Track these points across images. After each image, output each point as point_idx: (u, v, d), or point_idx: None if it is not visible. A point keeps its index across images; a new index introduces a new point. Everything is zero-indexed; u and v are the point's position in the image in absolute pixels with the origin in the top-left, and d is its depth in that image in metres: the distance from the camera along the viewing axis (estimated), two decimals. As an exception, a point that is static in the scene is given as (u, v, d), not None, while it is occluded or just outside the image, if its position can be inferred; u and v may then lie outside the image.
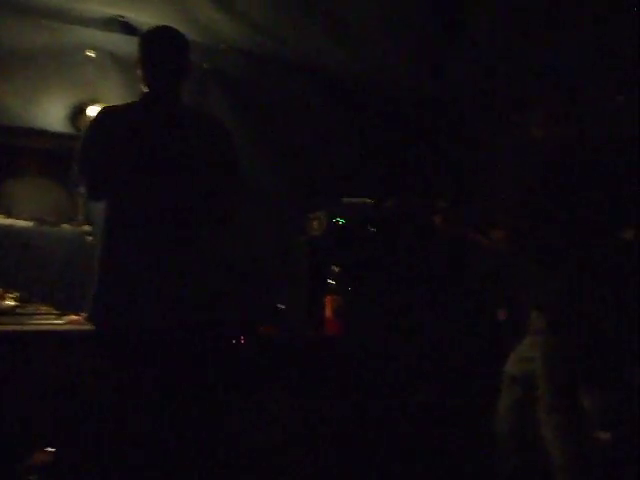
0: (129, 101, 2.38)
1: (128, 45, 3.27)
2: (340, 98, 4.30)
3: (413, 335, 3.56)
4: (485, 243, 2.88)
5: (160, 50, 2.34)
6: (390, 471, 3.18)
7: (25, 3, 3.27)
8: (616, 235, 2.75)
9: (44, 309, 3.12)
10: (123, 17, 3.44)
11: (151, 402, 2.16)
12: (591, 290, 2.59)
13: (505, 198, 2.95)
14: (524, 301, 2.89)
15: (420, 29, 3.47)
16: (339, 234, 3.66)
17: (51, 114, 3.59)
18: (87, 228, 3.52)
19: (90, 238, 3.41)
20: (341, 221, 3.66)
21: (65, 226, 3.54)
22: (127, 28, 3.50)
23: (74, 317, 3.03)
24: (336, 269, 3.48)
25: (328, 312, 3.56)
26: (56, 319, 3.05)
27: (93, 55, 3.61)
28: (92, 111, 3.47)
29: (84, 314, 2.64)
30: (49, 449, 2.62)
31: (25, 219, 3.45)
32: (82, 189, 2.27)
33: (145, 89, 2.32)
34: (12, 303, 3.07)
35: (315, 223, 3.78)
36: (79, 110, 3.58)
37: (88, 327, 2.28)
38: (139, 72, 2.33)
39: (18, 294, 3.12)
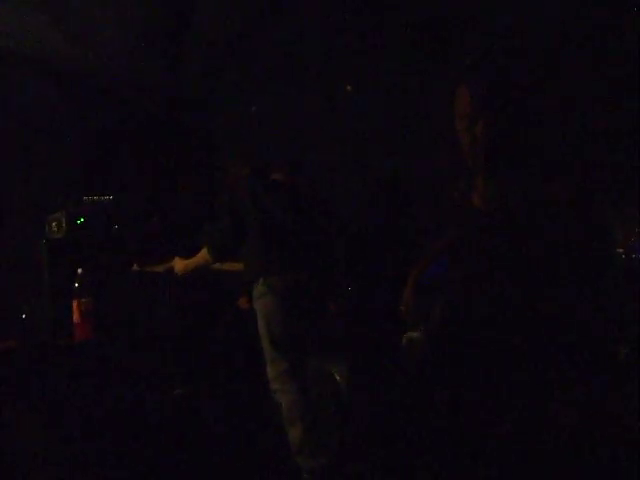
0: None
1: None
2: (74, 93, 4.10)
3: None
4: None
5: None
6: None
7: None
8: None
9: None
10: None
11: None
12: None
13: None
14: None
15: (152, 24, 3.46)
16: (81, 234, 3.51)
17: None
18: None
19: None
20: (81, 220, 3.51)
21: None
22: None
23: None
24: (80, 271, 3.33)
25: (76, 317, 3.41)
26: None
27: None
28: None
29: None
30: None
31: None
32: None
33: None
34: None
35: (54, 224, 3.57)
36: None
37: None
38: None
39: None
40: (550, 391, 1.59)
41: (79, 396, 3.22)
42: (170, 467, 3.10)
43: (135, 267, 3.43)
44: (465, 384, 1.69)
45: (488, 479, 1.67)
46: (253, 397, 3.46)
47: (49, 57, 3.80)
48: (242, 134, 4.54)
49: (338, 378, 3.17)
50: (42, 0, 3.24)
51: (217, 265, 3.31)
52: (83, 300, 3.40)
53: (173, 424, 3.39)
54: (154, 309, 3.61)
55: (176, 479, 3.11)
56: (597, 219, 1.63)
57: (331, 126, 3.96)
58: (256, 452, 3.25)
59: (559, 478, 1.59)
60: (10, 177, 3.88)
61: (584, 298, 1.60)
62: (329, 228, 3.30)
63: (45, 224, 3.66)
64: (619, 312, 1.65)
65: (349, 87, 3.98)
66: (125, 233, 3.62)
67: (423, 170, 3.58)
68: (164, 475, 3.08)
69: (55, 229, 3.57)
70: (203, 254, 3.17)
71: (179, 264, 3.35)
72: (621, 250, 3.32)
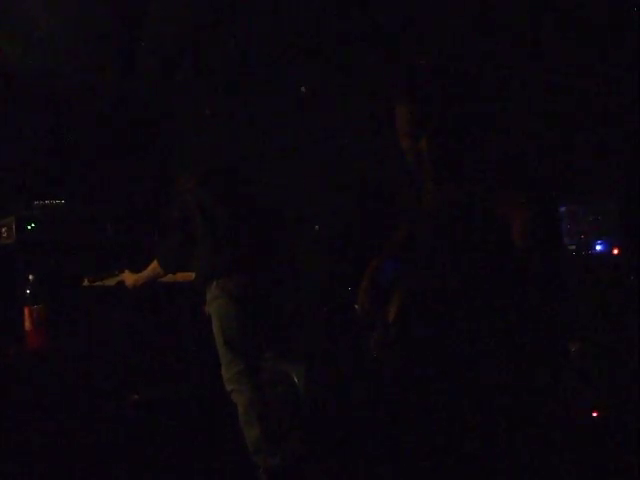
0: None
1: None
2: (24, 96, 4.01)
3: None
4: None
5: None
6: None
7: None
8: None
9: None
10: None
11: None
12: None
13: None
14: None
15: (104, 25, 3.42)
16: (31, 240, 3.43)
17: None
18: None
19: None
20: (32, 226, 3.44)
21: None
22: None
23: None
24: (32, 277, 3.27)
25: (28, 324, 3.33)
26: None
27: None
28: None
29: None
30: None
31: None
32: None
33: None
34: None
35: (4, 230, 3.49)
36: None
37: None
38: None
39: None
40: (508, 383, 1.63)
41: (30, 405, 3.16)
42: (124, 472, 3.06)
43: (86, 282, 3.37)
44: (425, 379, 1.72)
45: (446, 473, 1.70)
46: (209, 399, 3.45)
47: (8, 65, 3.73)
48: (193, 139, 4.52)
49: (295, 378, 3.19)
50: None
51: (169, 276, 3.31)
52: (35, 307, 3.33)
53: (129, 430, 3.35)
54: (110, 319, 3.56)
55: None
56: (544, 217, 1.68)
57: (285, 132, 3.98)
58: (213, 453, 3.24)
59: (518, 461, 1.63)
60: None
61: (535, 294, 1.64)
62: (277, 230, 3.34)
63: (-6, 229, 3.58)
64: (570, 309, 1.70)
65: (303, 89, 3.99)
66: (77, 239, 3.56)
67: (383, 177, 3.62)
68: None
69: (4, 235, 3.49)
70: (154, 266, 3.18)
71: (129, 278, 3.32)
72: (573, 247, 3.42)
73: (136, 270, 3.28)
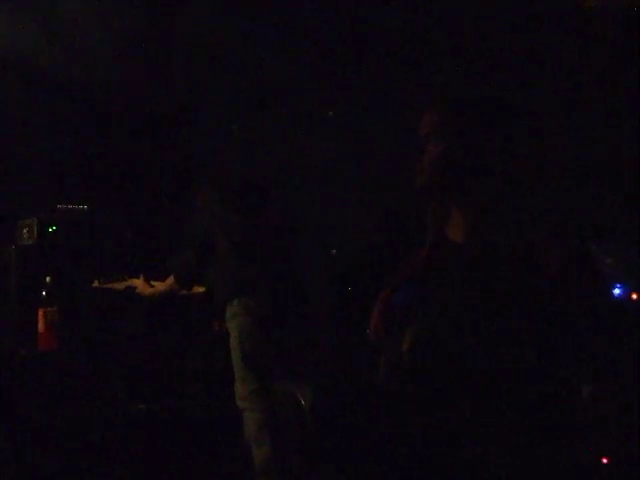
0: None
1: None
2: (53, 99, 4.08)
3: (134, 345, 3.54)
4: None
5: None
6: None
7: None
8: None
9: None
10: None
11: None
12: None
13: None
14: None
15: (133, 31, 3.49)
16: (52, 242, 3.46)
17: None
18: None
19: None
20: (53, 228, 3.47)
21: None
22: None
23: None
24: (49, 279, 3.29)
25: (40, 326, 3.35)
26: None
27: None
28: None
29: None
30: None
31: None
32: None
33: None
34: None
35: (25, 231, 3.52)
36: None
37: None
38: None
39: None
40: (521, 423, 1.60)
41: (39, 406, 3.16)
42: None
43: (96, 283, 3.39)
44: (434, 409, 1.69)
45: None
46: (215, 414, 3.43)
47: (32, 64, 3.80)
48: (220, 154, 4.56)
49: (301, 400, 3.17)
50: (34, 9, 3.27)
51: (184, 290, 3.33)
52: (49, 309, 3.35)
53: (133, 439, 3.34)
54: (121, 324, 3.57)
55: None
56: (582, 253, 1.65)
57: (307, 153, 3.99)
58: (217, 471, 3.22)
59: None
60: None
61: (560, 335, 1.61)
62: (295, 250, 3.35)
63: (16, 230, 3.61)
64: (587, 349, 1.67)
65: (331, 113, 4.02)
66: (96, 244, 3.59)
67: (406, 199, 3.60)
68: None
69: (26, 235, 3.52)
70: (170, 281, 3.21)
71: (145, 287, 3.33)
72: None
73: (151, 277, 3.30)
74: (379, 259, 3.52)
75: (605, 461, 2.67)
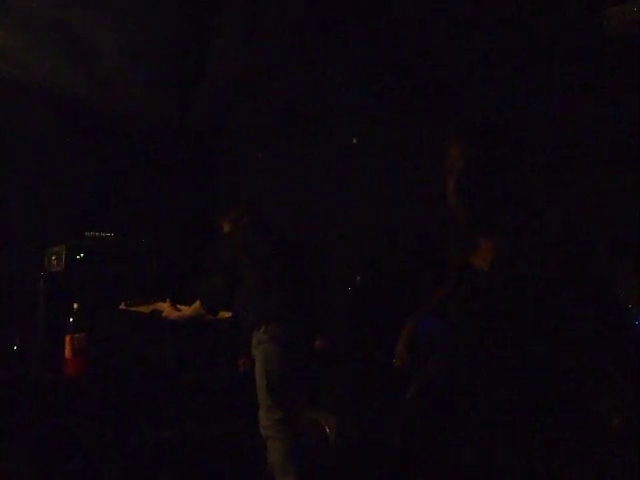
0: None
1: None
2: (83, 127, 4.17)
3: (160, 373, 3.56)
4: None
5: None
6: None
7: None
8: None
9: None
10: None
11: None
12: None
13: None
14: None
15: (166, 61, 3.56)
16: (80, 269, 3.52)
17: None
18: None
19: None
20: (81, 256, 3.52)
21: None
22: None
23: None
24: (76, 306, 3.33)
25: (68, 352, 3.38)
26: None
27: None
28: None
29: None
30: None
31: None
32: None
33: None
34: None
35: (54, 258, 3.58)
36: None
37: None
38: None
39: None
40: (548, 458, 1.58)
41: (65, 432, 3.18)
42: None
43: (123, 305, 3.44)
44: (457, 439, 1.68)
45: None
46: (240, 443, 3.42)
47: (60, 91, 3.89)
48: (247, 181, 4.62)
49: (326, 428, 3.15)
50: (61, 37, 3.35)
51: (210, 315, 3.36)
52: (76, 335, 3.39)
53: (159, 466, 3.33)
54: (148, 349, 3.59)
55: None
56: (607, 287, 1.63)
57: (333, 180, 4.02)
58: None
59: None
60: (12, 207, 3.91)
61: (585, 363, 1.59)
62: (316, 278, 3.36)
63: (44, 257, 3.68)
64: (615, 380, 1.64)
65: (355, 140, 4.05)
66: (123, 271, 3.64)
67: (422, 226, 3.61)
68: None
69: (54, 262, 3.58)
70: (196, 306, 3.24)
71: (171, 311, 3.37)
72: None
73: (177, 302, 3.33)
74: (403, 286, 3.51)
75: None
